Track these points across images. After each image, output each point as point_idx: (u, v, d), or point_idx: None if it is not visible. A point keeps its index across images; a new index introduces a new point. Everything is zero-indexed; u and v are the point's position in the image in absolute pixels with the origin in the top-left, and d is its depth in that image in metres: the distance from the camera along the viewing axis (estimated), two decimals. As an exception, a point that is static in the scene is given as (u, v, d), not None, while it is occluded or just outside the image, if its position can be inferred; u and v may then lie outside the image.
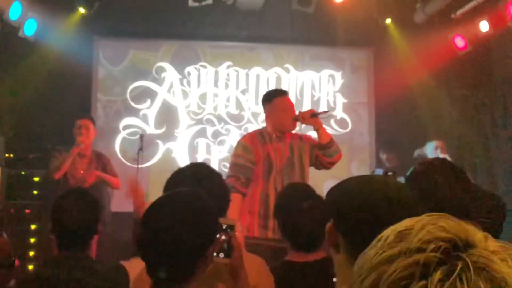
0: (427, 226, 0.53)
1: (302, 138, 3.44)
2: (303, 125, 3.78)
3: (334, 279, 1.20)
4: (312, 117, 3.27)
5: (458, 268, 0.49)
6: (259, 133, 3.34)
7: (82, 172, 4.32)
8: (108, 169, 4.56)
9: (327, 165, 3.40)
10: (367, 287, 0.53)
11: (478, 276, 0.48)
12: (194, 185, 1.50)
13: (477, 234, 0.53)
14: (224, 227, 1.41)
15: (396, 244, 0.53)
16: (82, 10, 5.19)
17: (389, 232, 0.56)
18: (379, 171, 5.36)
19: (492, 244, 0.52)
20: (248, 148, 3.20)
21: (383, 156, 5.60)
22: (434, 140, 5.09)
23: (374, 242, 0.57)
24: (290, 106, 3.34)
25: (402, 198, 1.11)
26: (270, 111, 3.32)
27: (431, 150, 4.99)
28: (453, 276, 0.48)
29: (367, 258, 0.55)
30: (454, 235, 0.52)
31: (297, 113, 3.35)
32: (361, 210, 1.08)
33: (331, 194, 1.19)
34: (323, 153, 3.31)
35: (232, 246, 1.42)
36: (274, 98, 3.34)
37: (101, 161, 4.56)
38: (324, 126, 3.42)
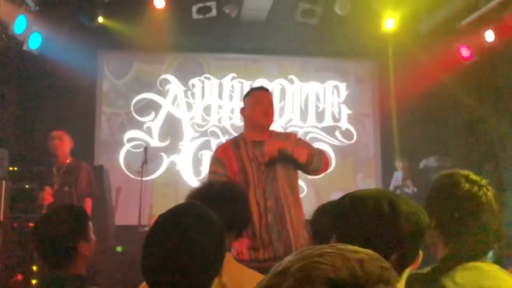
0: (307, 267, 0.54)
1: (287, 137, 3.00)
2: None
3: None
4: (279, 152, 2.81)
5: None
6: (234, 141, 2.96)
7: (57, 186, 4.28)
8: (81, 182, 4.41)
9: (313, 175, 3.07)
10: None
11: None
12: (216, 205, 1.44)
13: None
14: None
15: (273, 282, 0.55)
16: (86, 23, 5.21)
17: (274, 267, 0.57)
18: (398, 175, 5.32)
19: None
20: (221, 162, 2.84)
21: (399, 164, 5.54)
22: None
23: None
24: (266, 99, 2.94)
25: (404, 211, 1.10)
26: (246, 105, 2.96)
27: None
28: None
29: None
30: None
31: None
32: (361, 224, 1.08)
33: (332, 210, 1.20)
34: (306, 171, 2.91)
35: None
36: (252, 92, 3.04)
37: (76, 175, 4.41)
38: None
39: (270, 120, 2.91)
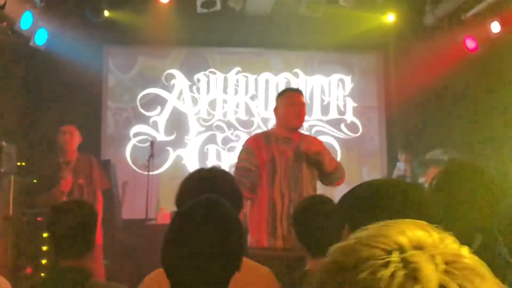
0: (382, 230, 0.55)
1: (312, 142, 3.19)
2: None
3: None
4: (316, 156, 3.00)
5: (395, 267, 0.50)
6: (265, 135, 3.17)
7: (70, 180, 4.32)
8: (94, 175, 4.48)
9: (326, 185, 3.23)
10: None
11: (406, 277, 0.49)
12: (206, 192, 1.46)
13: (429, 238, 0.53)
14: None
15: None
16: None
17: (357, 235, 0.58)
18: (400, 165, 5.31)
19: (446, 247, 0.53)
20: (251, 150, 3.04)
21: (402, 157, 5.54)
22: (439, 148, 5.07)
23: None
24: (300, 102, 3.13)
25: (416, 199, 1.11)
26: (279, 104, 3.15)
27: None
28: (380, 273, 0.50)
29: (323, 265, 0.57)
30: (407, 239, 0.53)
31: (306, 116, 3.24)
32: (374, 213, 1.07)
33: (344, 199, 1.18)
34: (324, 180, 3.14)
35: None
36: (286, 92, 3.23)
37: (87, 168, 4.48)
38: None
39: (301, 122, 3.15)
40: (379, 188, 1.16)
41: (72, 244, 1.87)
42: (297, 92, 3.25)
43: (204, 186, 1.66)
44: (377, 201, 1.11)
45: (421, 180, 4.92)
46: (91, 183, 4.37)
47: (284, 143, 3.08)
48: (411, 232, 0.54)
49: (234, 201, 1.60)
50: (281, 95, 3.21)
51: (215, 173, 1.80)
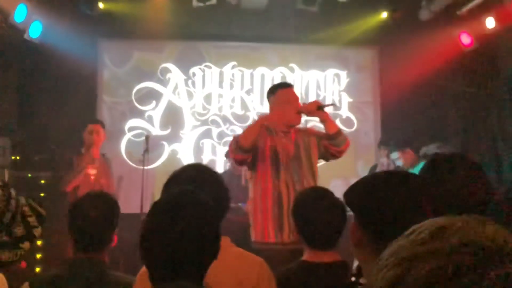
0: (463, 229, 0.52)
1: (307, 131, 3.29)
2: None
3: (353, 278, 1.22)
4: (318, 109, 3.11)
5: (493, 276, 0.47)
6: (266, 127, 3.16)
7: (92, 177, 4.33)
8: (109, 173, 4.57)
9: (336, 154, 3.23)
10: (390, 278, 0.52)
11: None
12: (194, 187, 1.46)
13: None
14: None
15: (429, 241, 0.51)
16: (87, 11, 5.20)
17: (424, 227, 0.54)
18: (383, 161, 5.33)
19: None
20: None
21: (384, 152, 5.55)
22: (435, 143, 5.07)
23: (406, 233, 0.55)
24: (294, 98, 3.17)
25: (420, 188, 1.14)
26: (273, 104, 3.16)
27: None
28: (484, 283, 0.47)
29: (395, 250, 0.53)
30: (491, 241, 0.50)
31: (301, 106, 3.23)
32: (385, 205, 1.11)
33: (352, 192, 1.20)
34: (332, 143, 3.15)
35: None
36: (277, 90, 3.21)
37: (108, 165, 4.58)
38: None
39: (300, 119, 3.17)
40: (386, 179, 1.18)
41: (93, 237, 1.88)
42: (289, 87, 3.24)
43: (191, 183, 1.65)
44: (385, 192, 1.13)
45: (399, 163, 5.00)
46: (111, 182, 4.47)
47: (283, 137, 3.12)
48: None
49: (219, 201, 1.60)
50: (273, 93, 3.20)
51: (203, 172, 1.79)
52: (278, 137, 3.11)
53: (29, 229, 1.47)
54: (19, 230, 1.43)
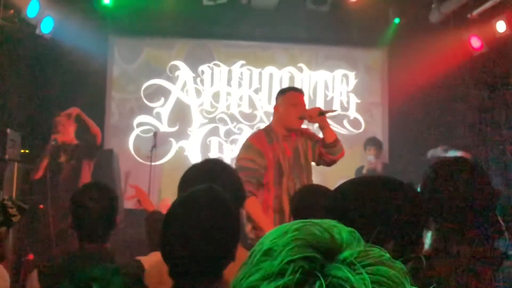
0: (290, 243, 0.52)
1: (304, 133, 3.28)
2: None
3: None
4: (320, 115, 3.13)
5: None
6: (266, 133, 3.17)
7: (64, 162, 4.45)
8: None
9: (329, 163, 3.25)
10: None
11: None
12: (209, 182, 1.48)
13: (337, 244, 0.52)
14: None
15: (260, 265, 0.52)
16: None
17: (257, 247, 0.55)
18: (371, 159, 5.39)
19: (352, 253, 0.51)
20: (259, 152, 3.05)
21: (370, 151, 5.55)
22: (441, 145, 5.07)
23: (247, 259, 0.55)
24: (301, 103, 3.18)
25: (397, 196, 1.14)
26: (280, 103, 3.17)
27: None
28: None
29: (237, 280, 0.54)
30: (316, 249, 0.51)
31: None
32: (355, 210, 1.11)
33: (330, 197, 1.22)
34: (328, 151, 3.17)
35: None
36: (289, 91, 3.25)
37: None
38: (335, 126, 3.34)
39: (301, 124, 3.19)
40: (359, 184, 1.20)
41: (96, 227, 1.92)
42: (299, 92, 3.28)
43: (208, 176, 1.68)
44: (364, 198, 1.13)
45: (370, 158, 5.15)
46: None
47: (284, 141, 3.13)
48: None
49: (236, 196, 1.62)
50: (283, 94, 3.23)
51: (220, 165, 1.82)
52: (279, 143, 3.12)
53: (8, 217, 1.88)
54: None
